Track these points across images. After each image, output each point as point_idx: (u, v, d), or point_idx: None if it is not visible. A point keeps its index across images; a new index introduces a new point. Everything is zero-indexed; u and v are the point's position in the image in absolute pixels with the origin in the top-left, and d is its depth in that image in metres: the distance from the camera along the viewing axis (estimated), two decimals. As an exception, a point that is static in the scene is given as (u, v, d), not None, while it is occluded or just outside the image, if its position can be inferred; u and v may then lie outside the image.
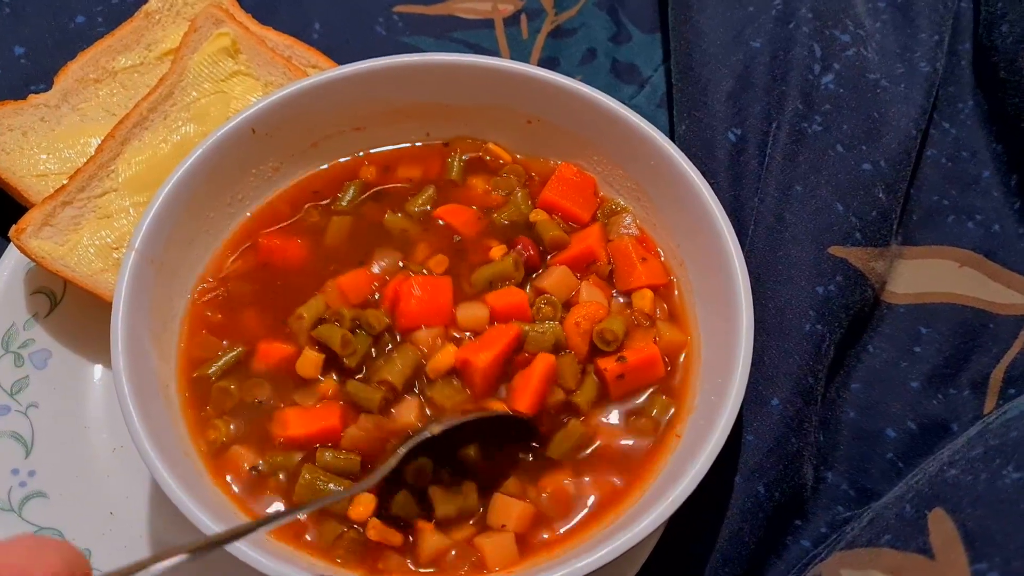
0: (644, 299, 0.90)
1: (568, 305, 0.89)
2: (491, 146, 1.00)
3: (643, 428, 0.85)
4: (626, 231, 0.95)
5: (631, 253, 0.91)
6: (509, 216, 0.94)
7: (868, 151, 1.01)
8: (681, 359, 0.88)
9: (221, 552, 0.71)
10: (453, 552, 0.79)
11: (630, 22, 1.25)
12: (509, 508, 0.80)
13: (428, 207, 0.95)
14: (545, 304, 0.87)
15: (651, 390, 0.87)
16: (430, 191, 0.96)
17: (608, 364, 0.85)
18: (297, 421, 0.83)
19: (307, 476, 0.80)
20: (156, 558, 0.59)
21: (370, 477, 0.78)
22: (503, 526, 0.80)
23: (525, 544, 0.80)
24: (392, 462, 0.78)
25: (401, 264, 0.92)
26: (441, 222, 0.94)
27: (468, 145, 1.00)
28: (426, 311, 0.86)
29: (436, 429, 0.79)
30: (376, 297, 0.89)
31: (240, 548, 0.71)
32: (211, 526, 0.73)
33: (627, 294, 0.91)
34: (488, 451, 0.82)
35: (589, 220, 0.96)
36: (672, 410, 0.86)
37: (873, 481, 0.95)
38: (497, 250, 0.92)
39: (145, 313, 0.84)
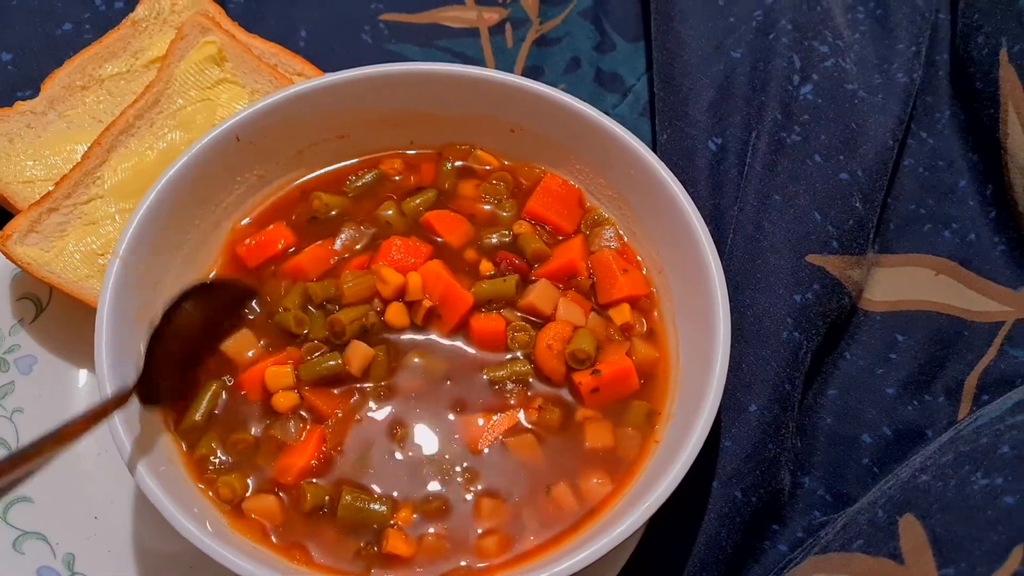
0: (622, 313, 0.91)
1: (547, 320, 0.90)
2: (479, 152, 1.01)
3: (622, 436, 0.86)
4: (607, 244, 0.96)
5: (612, 265, 0.93)
6: (497, 237, 0.95)
7: (845, 161, 1.03)
8: (658, 371, 0.90)
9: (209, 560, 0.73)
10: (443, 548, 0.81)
11: (614, 31, 1.27)
12: (497, 509, 0.82)
13: (422, 209, 0.97)
14: (519, 331, 0.89)
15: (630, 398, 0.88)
16: (430, 194, 0.97)
17: (583, 378, 0.87)
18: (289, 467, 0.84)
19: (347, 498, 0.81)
20: None
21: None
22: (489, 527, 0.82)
23: (507, 548, 0.81)
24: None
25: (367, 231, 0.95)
26: (427, 227, 0.96)
27: (457, 151, 1.01)
28: (399, 268, 0.90)
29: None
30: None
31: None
32: (193, 531, 0.73)
33: (606, 308, 0.92)
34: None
35: (573, 232, 0.97)
36: (650, 418, 0.87)
37: (849, 486, 0.97)
38: (485, 265, 0.93)
39: (130, 319, 0.84)
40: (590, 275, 0.93)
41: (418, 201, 0.97)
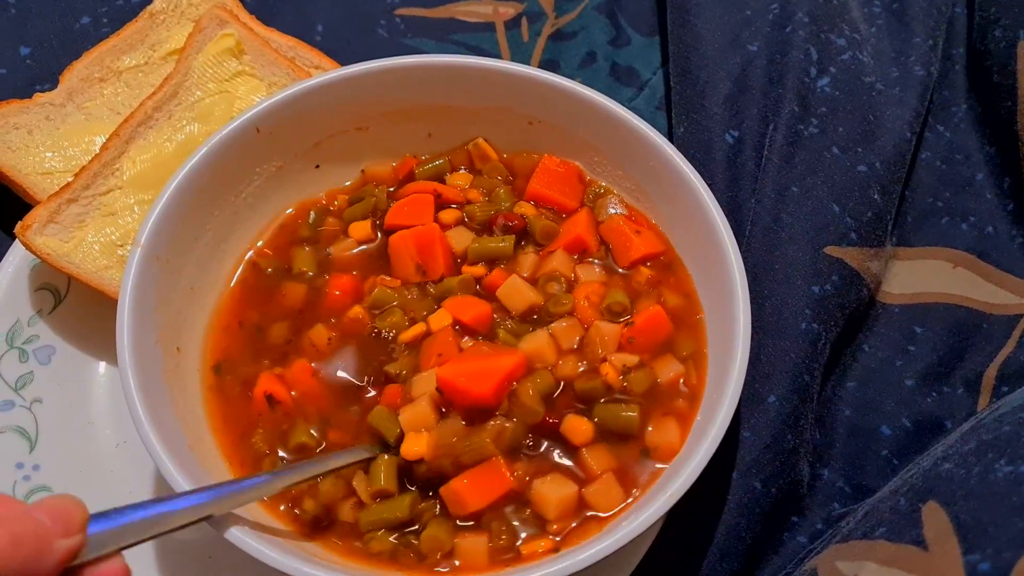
0: (642, 275, 0.92)
1: (571, 286, 0.90)
2: (480, 141, 1.01)
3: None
4: (614, 210, 0.96)
5: (624, 228, 0.93)
6: (489, 208, 0.95)
7: (863, 153, 1.03)
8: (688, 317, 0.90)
9: (230, 547, 0.73)
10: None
11: (629, 25, 1.27)
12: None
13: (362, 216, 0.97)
14: (551, 280, 0.89)
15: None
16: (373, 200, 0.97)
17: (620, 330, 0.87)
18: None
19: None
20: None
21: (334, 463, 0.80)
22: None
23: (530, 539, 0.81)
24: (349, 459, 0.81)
25: None
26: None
27: (459, 150, 1.01)
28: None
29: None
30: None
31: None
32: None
33: (626, 269, 0.93)
34: None
35: (576, 207, 0.97)
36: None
37: (869, 478, 0.97)
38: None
39: (150, 309, 0.85)
40: (601, 245, 0.94)
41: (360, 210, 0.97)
